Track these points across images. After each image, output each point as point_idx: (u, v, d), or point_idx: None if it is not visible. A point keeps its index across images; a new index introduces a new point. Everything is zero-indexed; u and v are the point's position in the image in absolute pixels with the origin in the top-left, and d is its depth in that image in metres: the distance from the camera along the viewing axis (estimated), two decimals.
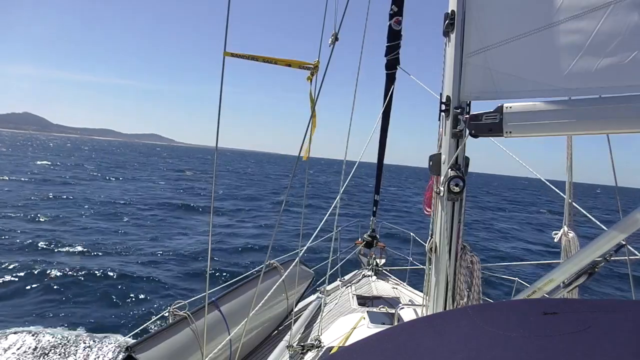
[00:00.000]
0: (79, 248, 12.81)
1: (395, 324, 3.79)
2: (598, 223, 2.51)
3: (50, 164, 46.89)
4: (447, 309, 2.35)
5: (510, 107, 2.01)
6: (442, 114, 2.33)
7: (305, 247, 3.67)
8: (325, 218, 3.37)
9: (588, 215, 2.67)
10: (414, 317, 3.99)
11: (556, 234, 2.67)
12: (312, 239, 3.58)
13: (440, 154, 2.35)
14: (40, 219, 16.52)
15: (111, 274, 10.61)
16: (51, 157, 62.67)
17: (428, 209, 2.57)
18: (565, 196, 2.67)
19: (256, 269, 5.24)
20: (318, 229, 3.40)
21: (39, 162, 47.29)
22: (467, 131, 2.19)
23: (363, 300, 5.28)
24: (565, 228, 2.61)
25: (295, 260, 4.31)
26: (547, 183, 2.92)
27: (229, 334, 3.58)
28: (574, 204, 2.65)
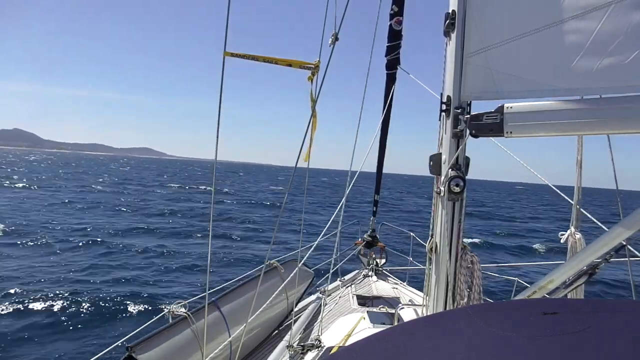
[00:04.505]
0: None
1: (395, 324, 3.79)
2: (599, 224, 2.50)
3: None
4: (447, 309, 2.35)
5: (511, 107, 2.01)
6: (443, 114, 2.33)
7: (309, 252, 3.66)
8: (329, 222, 3.37)
9: (590, 217, 2.66)
10: (414, 317, 3.99)
11: (563, 234, 2.66)
12: (315, 244, 3.57)
13: (441, 154, 2.35)
14: None
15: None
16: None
17: None
18: (572, 201, 2.67)
19: (256, 269, 5.24)
20: (321, 235, 3.40)
21: None
22: (468, 131, 2.19)
23: (363, 300, 5.28)
24: (572, 229, 2.60)
25: (298, 262, 4.30)
26: (553, 187, 2.91)
27: (229, 334, 3.58)
28: (578, 207, 2.64)
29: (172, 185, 49.84)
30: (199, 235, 17.79)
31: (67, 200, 26.91)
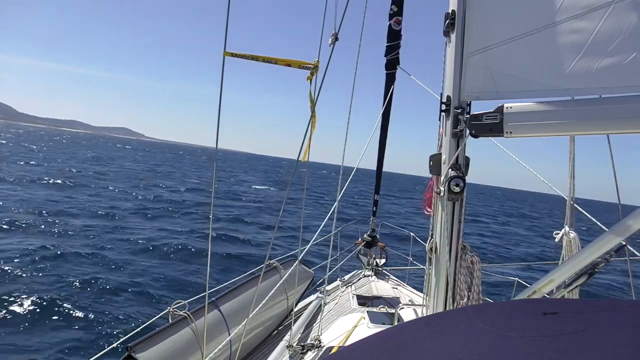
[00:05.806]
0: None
1: (395, 324, 3.79)
2: (599, 224, 2.50)
3: None
4: (447, 309, 2.35)
5: (511, 107, 2.01)
6: (443, 114, 2.34)
7: (305, 249, 3.67)
8: (325, 220, 3.36)
9: (588, 215, 2.66)
10: (414, 317, 3.99)
11: (557, 233, 2.66)
12: (312, 241, 3.57)
13: (441, 154, 2.35)
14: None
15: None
16: None
17: (428, 209, 2.58)
18: (567, 197, 2.67)
19: (256, 268, 5.24)
20: (318, 231, 3.40)
21: None
22: (468, 131, 2.19)
23: (363, 300, 5.28)
24: (567, 228, 2.60)
25: (296, 262, 4.31)
26: (548, 184, 2.91)
27: (229, 334, 3.58)
28: (575, 205, 2.64)
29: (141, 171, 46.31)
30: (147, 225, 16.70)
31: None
